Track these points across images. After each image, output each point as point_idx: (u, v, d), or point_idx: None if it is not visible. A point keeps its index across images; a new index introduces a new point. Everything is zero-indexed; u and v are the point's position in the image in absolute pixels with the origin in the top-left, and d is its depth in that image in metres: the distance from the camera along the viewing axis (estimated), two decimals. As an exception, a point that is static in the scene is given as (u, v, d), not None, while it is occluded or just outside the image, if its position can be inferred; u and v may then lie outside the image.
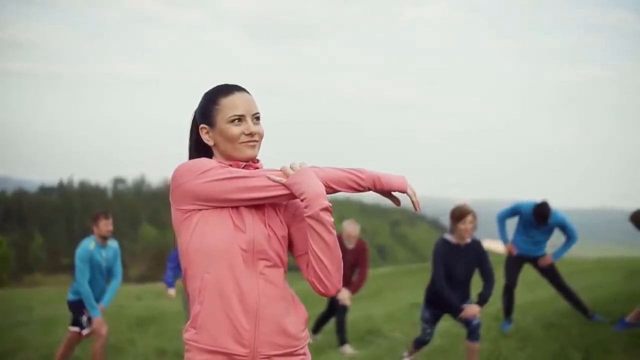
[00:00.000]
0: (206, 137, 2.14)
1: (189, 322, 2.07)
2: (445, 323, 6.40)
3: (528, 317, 7.28)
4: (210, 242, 2.00)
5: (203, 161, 2.05)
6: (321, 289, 2.06)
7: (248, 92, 2.16)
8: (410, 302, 10.41)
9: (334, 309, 7.15)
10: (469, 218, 5.14)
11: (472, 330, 5.08)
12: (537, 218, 6.62)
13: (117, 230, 6.20)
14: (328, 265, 2.03)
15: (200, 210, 2.02)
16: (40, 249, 62.30)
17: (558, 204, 7.55)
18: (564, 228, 6.81)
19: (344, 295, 6.91)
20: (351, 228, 6.94)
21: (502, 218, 6.95)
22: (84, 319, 6.07)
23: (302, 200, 2.01)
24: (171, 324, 10.33)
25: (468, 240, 5.22)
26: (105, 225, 6.08)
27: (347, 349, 7.04)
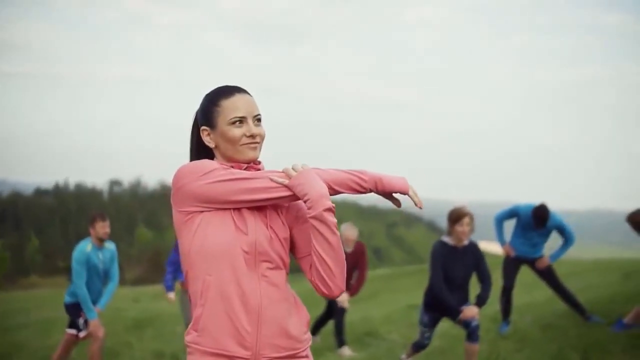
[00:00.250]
0: (207, 139, 2.14)
1: (190, 325, 2.06)
2: (444, 324, 6.40)
3: (526, 318, 7.29)
4: (212, 244, 1.99)
5: (205, 162, 2.04)
6: (325, 291, 2.05)
7: (249, 94, 2.15)
8: (407, 303, 10.42)
9: (333, 311, 7.15)
10: (466, 220, 5.14)
11: (472, 332, 5.08)
12: (536, 220, 6.62)
13: (113, 232, 6.17)
14: (332, 266, 2.02)
15: (202, 212, 2.01)
16: (35, 252, 62.11)
17: (555, 205, 7.57)
18: (562, 230, 6.83)
19: (343, 298, 6.90)
20: (349, 232, 6.94)
21: (500, 220, 6.96)
22: (81, 321, 6.05)
23: (305, 202, 2.00)
24: (168, 327, 10.33)
25: (465, 242, 5.23)
26: (102, 228, 6.06)
27: (346, 350, 7.03)
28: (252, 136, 2.09)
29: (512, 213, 6.94)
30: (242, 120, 2.09)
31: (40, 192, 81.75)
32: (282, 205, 2.12)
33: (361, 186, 2.10)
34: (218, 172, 2.01)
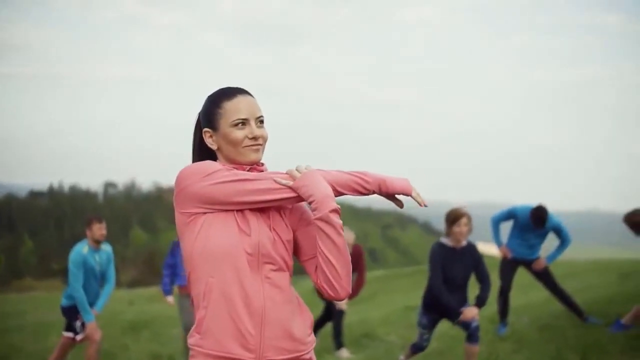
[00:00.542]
0: (210, 141, 2.12)
1: (193, 327, 2.04)
2: (443, 325, 6.38)
3: (523, 319, 7.29)
4: (214, 245, 1.97)
5: (208, 164, 2.03)
6: (331, 293, 2.04)
7: (251, 95, 2.13)
8: (404, 305, 10.42)
9: (331, 314, 7.13)
10: (464, 220, 5.14)
11: (472, 333, 5.07)
12: (535, 221, 6.63)
13: (108, 234, 6.15)
14: (338, 268, 2.00)
15: (204, 213, 2.00)
16: (30, 254, 61.93)
17: (555, 206, 7.57)
18: (559, 231, 6.84)
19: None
20: (346, 235, 6.91)
21: (497, 221, 6.96)
22: (78, 324, 6.02)
23: (310, 203, 1.99)
24: (164, 329, 10.29)
25: (464, 243, 5.22)
26: (99, 230, 6.04)
27: (344, 352, 7.01)
28: (255, 138, 2.08)
29: (509, 214, 6.94)
30: (244, 122, 2.07)
31: (34, 194, 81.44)
32: (285, 208, 2.11)
33: (364, 188, 2.09)
34: (221, 173, 1.99)
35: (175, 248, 6.84)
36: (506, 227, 7.05)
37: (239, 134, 2.06)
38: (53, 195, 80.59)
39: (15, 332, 10.50)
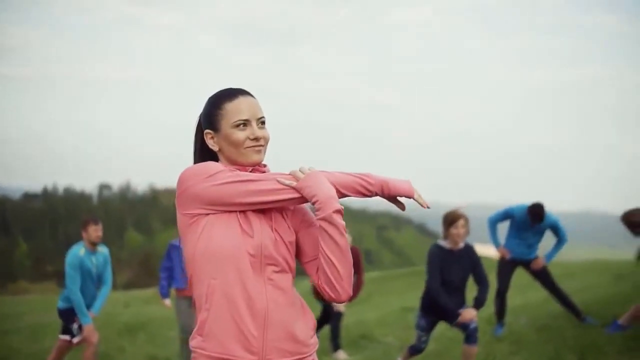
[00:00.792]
0: (211, 143, 2.11)
1: (195, 329, 2.03)
2: (440, 326, 6.38)
3: (521, 320, 7.30)
4: (217, 247, 1.96)
5: (210, 165, 2.02)
6: (332, 295, 2.02)
7: (253, 96, 2.12)
8: (400, 306, 10.42)
9: (329, 316, 7.12)
10: (461, 222, 5.14)
11: (470, 334, 5.07)
12: (533, 218, 6.65)
13: (103, 236, 6.12)
14: (340, 269, 1.99)
15: (207, 214, 1.98)
16: (24, 257, 61.75)
17: (554, 207, 7.60)
18: (556, 230, 6.86)
19: None
20: None
21: (494, 222, 6.97)
22: (75, 326, 5.99)
23: (313, 204, 1.98)
24: (161, 331, 10.27)
25: (461, 245, 5.22)
26: (95, 232, 6.01)
27: (341, 354, 7.01)
28: (256, 139, 2.06)
29: (505, 215, 6.95)
30: (245, 123, 2.06)
31: (28, 197, 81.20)
32: (287, 209, 2.10)
33: (367, 189, 2.08)
34: (224, 174, 1.98)
35: (171, 250, 6.80)
36: (503, 229, 7.06)
37: (240, 135, 2.05)
38: (47, 198, 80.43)
39: (12, 335, 10.46)
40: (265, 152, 2.11)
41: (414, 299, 11.48)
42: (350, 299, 6.74)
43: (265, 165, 2.13)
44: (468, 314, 5.03)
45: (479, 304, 5.13)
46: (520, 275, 7.50)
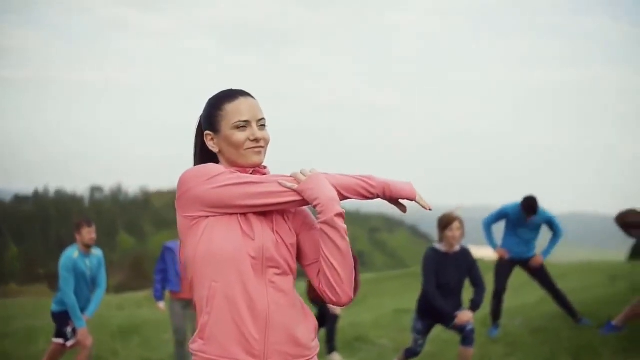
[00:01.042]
0: (211, 144, 2.10)
1: (196, 333, 2.01)
2: (435, 328, 6.38)
3: (515, 321, 7.30)
4: (218, 249, 1.95)
5: (210, 166, 2.00)
6: (333, 298, 2.01)
7: (253, 97, 2.11)
8: (395, 308, 10.41)
9: (325, 318, 7.10)
10: (456, 225, 5.14)
11: (467, 336, 5.07)
12: (527, 210, 6.69)
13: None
14: (341, 272, 1.97)
15: (207, 217, 1.97)
16: (15, 259, 61.38)
17: (554, 209, 7.63)
18: (551, 224, 6.90)
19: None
20: None
21: (489, 224, 6.98)
22: (69, 330, 5.94)
23: (315, 206, 1.96)
24: (154, 334, 10.21)
25: (457, 247, 5.22)
26: (88, 234, 5.96)
27: (336, 356, 6.99)
28: (256, 140, 2.05)
29: (500, 215, 6.96)
30: (245, 125, 2.05)
31: (19, 199, 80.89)
32: (288, 211, 2.08)
33: (369, 192, 2.06)
34: (224, 176, 1.97)
35: (166, 253, 6.76)
36: (499, 232, 7.07)
37: (240, 136, 2.04)
38: (38, 200, 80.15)
39: (3, 338, 10.36)
40: (265, 153, 2.10)
41: (408, 301, 11.47)
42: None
43: (265, 167, 2.12)
44: (464, 316, 5.03)
45: (475, 306, 5.13)
46: (515, 277, 7.49)
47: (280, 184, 1.98)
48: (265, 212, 2.02)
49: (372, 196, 2.08)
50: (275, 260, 1.99)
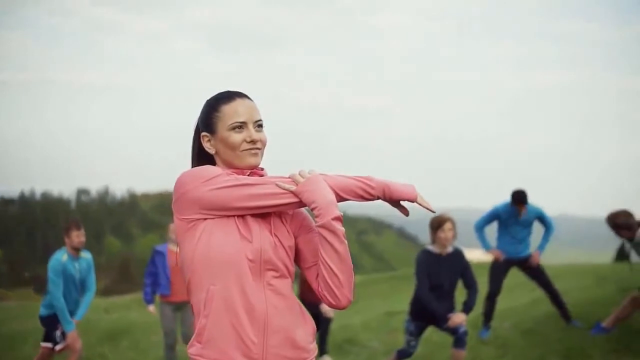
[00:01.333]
0: (207, 145, 2.08)
1: (194, 336, 1.99)
2: (427, 330, 6.40)
3: (505, 324, 7.31)
4: (216, 252, 1.93)
5: (208, 168, 1.98)
6: (332, 301, 1.99)
7: (250, 99, 2.10)
8: (384, 310, 10.40)
9: (318, 321, 7.09)
10: (448, 225, 5.15)
11: (459, 338, 5.07)
12: (518, 202, 6.72)
13: (81, 242, 6.01)
14: (340, 276, 1.96)
15: (205, 219, 1.95)
16: (0, 263, 60.84)
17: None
18: (542, 219, 6.96)
19: (328, 307, 6.86)
20: None
21: (481, 226, 6.99)
22: (58, 333, 5.89)
23: (312, 209, 1.95)
24: (143, 337, 10.15)
25: (450, 249, 5.22)
26: (77, 237, 5.91)
27: (327, 359, 6.97)
28: (253, 142, 2.04)
29: (491, 216, 6.98)
30: (242, 126, 2.03)
31: (5, 202, 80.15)
32: (286, 214, 2.07)
33: (369, 193, 2.05)
34: (222, 177, 1.95)
35: (156, 256, 6.72)
36: (491, 234, 7.09)
37: (236, 137, 2.02)
38: (24, 203, 79.50)
39: (-10, 342, 10.27)
40: (262, 155, 2.08)
41: (397, 303, 11.47)
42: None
43: (263, 169, 2.11)
44: (457, 318, 5.04)
45: (468, 308, 5.14)
46: (506, 278, 7.51)
47: (277, 185, 1.96)
48: (263, 215, 2.00)
49: (372, 197, 2.06)
50: (273, 263, 1.97)
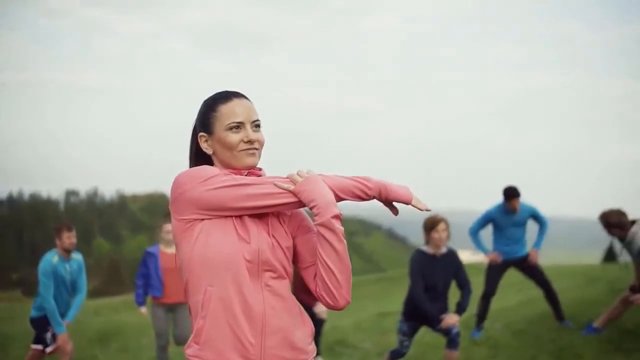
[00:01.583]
0: (205, 146, 2.07)
1: (191, 337, 1.97)
2: (419, 331, 6.40)
3: (497, 324, 7.32)
4: (213, 253, 1.91)
5: (205, 168, 1.97)
6: (330, 302, 1.98)
7: (248, 99, 2.09)
8: (376, 311, 10.41)
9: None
10: (442, 226, 5.16)
11: (452, 339, 5.08)
12: (510, 197, 6.72)
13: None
14: (338, 275, 1.95)
15: (202, 219, 1.94)
16: (-12, 264, 60.41)
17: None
18: (536, 216, 6.98)
19: (321, 309, 6.85)
20: None
21: (475, 231, 7.00)
22: (48, 335, 5.85)
23: (311, 208, 1.94)
24: (133, 339, 10.11)
25: (444, 250, 5.23)
26: (68, 238, 5.88)
27: (319, 360, 6.96)
28: (250, 142, 2.03)
29: (485, 219, 6.98)
30: (239, 126, 2.02)
31: (-8, 203, 79.60)
32: (284, 214, 2.06)
33: (366, 193, 2.05)
34: (220, 178, 1.94)
35: (147, 258, 6.68)
36: (485, 237, 7.11)
37: (234, 137, 2.01)
38: (12, 204, 78.95)
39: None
40: (260, 155, 2.08)
41: (389, 304, 11.48)
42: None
43: (261, 169, 2.10)
44: (450, 319, 5.04)
45: (461, 309, 5.15)
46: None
47: (276, 185, 1.96)
48: (261, 215, 2.00)
49: (369, 198, 2.06)
50: (271, 263, 1.96)
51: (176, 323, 6.69)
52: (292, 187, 1.96)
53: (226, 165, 2.05)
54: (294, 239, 2.06)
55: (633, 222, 5.95)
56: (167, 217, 6.59)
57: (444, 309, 5.20)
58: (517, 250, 6.96)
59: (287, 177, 1.99)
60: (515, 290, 9.97)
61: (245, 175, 2.03)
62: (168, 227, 6.47)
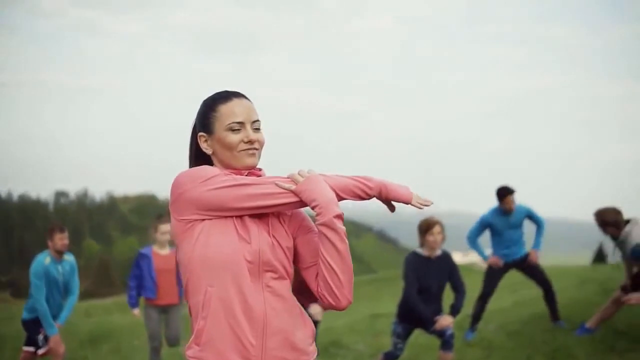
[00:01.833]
0: (204, 146, 2.06)
1: (192, 339, 1.96)
2: (412, 333, 6.40)
3: (490, 325, 7.33)
4: (214, 253, 1.90)
5: (205, 169, 1.96)
6: (332, 302, 1.97)
7: (248, 99, 2.08)
8: (369, 313, 10.41)
9: None
10: (437, 229, 5.15)
11: (446, 341, 5.07)
12: (505, 196, 6.72)
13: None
14: (340, 275, 1.94)
15: (203, 220, 1.92)
16: (-24, 266, 59.95)
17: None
18: (532, 216, 6.98)
19: (316, 310, 6.83)
20: None
21: (473, 238, 7.01)
22: (40, 337, 5.80)
23: (313, 208, 1.93)
24: (125, 341, 10.05)
25: (438, 252, 5.23)
26: (61, 240, 5.84)
27: (312, 362, 6.94)
28: (250, 142, 2.02)
29: (481, 224, 6.97)
30: (239, 126, 2.01)
31: (-19, 204, 79.03)
32: (284, 214, 2.05)
33: (366, 193, 2.05)
34: (220, 178, 1.93)
35: (140, 259, 6.63)
36: (484, 242, 7.12)
37: (234, 137, 2.00)
38: (1, 205, 78.42)
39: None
40: (259, 156, 2.06)
41: (382, 305, 11.48)
42: (327, 308, 6.64)
43: (261, 170, 2.09)
44: (444, 321, 5.04)
45: (455, 311, 5.15)
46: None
47: (277, 185, 1.95)
48: (261, 215, 1.98)
49: (369, 197, 2.06)
50: (272, 264, 1.95)
51: (168, 324, 6.65)
52: (293, 187, 1.95)
53: (226, 166, 2.03)
54: (294, 239, 2.04)
55: (627, 222, 5.97)
56: (161, 218, 6.55)
57: (439, 311, 5.20)
58: (516, 251, 6.96)
59: (288, 177, 1.98)
60: (509, 291, 9.98)
61: (246, 175, 2.02)
62: (163, 228, 6.42)
